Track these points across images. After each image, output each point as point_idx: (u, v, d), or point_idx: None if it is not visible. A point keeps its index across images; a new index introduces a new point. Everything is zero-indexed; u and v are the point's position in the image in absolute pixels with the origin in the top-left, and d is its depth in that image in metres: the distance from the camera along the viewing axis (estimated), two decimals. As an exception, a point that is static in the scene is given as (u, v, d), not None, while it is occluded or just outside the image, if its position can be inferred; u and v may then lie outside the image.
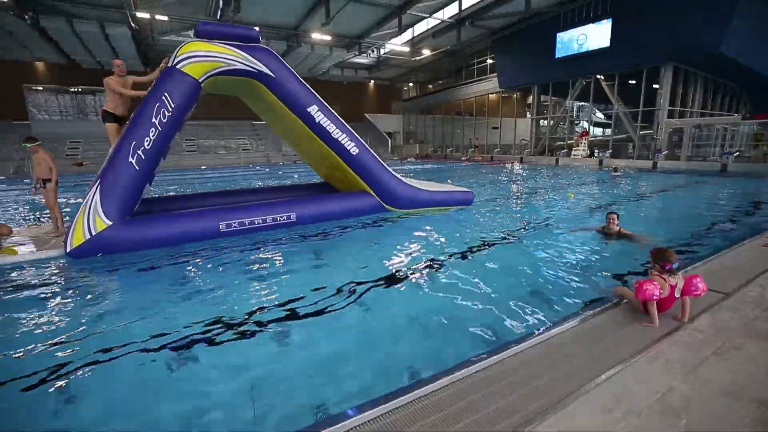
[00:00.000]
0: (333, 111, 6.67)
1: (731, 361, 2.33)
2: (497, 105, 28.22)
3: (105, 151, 19.91)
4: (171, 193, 11.09)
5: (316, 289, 3.86)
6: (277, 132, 8.52)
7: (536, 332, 2.76)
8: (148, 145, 5.34)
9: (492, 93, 27.24)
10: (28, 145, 5.96)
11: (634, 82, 19.92)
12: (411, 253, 5.10)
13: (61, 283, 4.29)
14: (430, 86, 35.12)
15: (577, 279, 3.96)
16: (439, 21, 22.18)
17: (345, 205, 6.94)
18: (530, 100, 25.59)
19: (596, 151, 20.97)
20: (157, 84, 5.53)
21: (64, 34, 19.24)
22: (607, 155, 19.95)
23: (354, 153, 6.70)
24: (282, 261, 4.93)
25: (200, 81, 5.70)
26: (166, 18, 19.32)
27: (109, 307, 3.64)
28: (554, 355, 2.41)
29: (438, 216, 7.28)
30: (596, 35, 18.81)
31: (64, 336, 3.03)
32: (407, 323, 3.24)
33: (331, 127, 6.49)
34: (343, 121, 6.79)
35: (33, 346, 2.88)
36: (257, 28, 19.28)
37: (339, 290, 3.82)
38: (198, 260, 4.98)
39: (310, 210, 6.55)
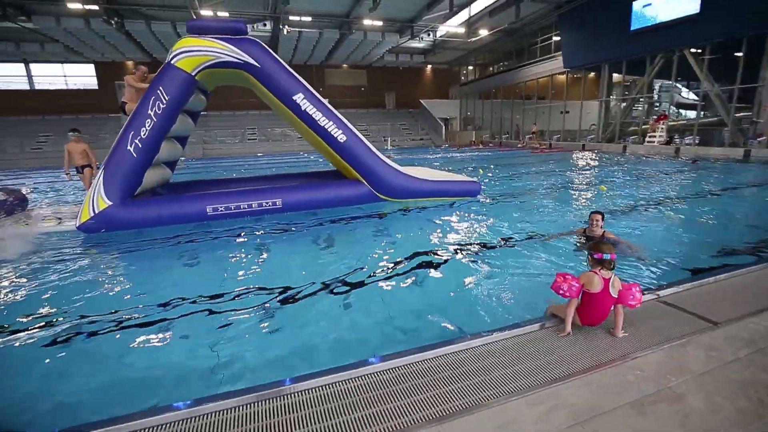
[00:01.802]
0: (321, 99, 6.74)
1: (650, 417, 1.83)
2: (562, 87, 25.87)
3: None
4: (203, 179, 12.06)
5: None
6: (284, 120, 8.84)
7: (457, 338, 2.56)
8: (144, 135, 5.94)
9: (555, 74, 25.03)
10: (75, 135, 7.15)
11: (729, 54, 16.87)
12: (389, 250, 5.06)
13: (63, 248, 5.14)
14: (491, 69, 33.29)
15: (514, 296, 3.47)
16: (495, -3, 20.86)
17: (333, 194, 7.04)
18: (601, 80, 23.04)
19: (675, 137, 18.32)
20: (155, 79, 6.09)
21: (144, 35, 21.71)
22: (687, 142, 17.33)
23: (342, 141, 6.74)
24: (265, 247, 5.23)
25: (193, 74, 6.15)
26: (227, 14, 20.77)
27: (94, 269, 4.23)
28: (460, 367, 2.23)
29: (432, 207, 7.04)
30: (682, 0, 16.19)
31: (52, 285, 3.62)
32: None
33: (317, 115, 6.59)
34: (332, 108, 6.84)
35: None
36: (309, 18, 19.57)
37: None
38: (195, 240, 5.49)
39: (297, 197, 6.77)
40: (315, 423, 1.84)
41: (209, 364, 2.60)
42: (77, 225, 5.73)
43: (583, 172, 11.88)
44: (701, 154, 15.06)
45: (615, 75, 22.39)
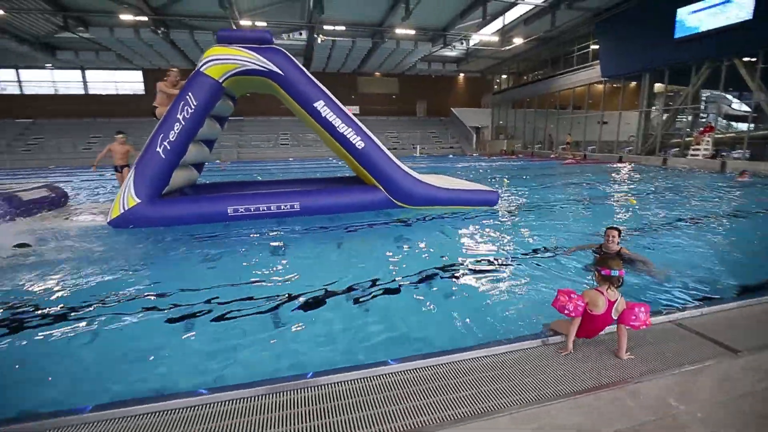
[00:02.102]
0: (341, 106, 6.86)
1: None
2: (599, 96, 24.96)
3: (218, 145, 22.79)
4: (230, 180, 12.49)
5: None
6: (307, 126, 9.03)
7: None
8: (173, 138, 6.26)
9: (592, 83, 24.20)
10: (121, 136, 7.73)
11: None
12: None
13: (93, 241, 5.50)
14: (525, 78, 32.65)
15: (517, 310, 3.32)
16: (531, 6, 20.50)
17: (351, 199, 7.11)
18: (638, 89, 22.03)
19: (722, 151, 17.17)
20: (185, 85, 6.42)
21: (187, 44, 22.94)
22: (735, 156, 16.21)
23: (360, 147, 6.81)
24: (279, 249, 5.37)
25: (220, 81, 6.43)
26: (265, 24, 21.60)
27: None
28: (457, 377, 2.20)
29: (449, 216, 6.95)
30: (733, 6, 15.29)
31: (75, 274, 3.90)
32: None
33: (336, 122, 6.70)
34: (351, 115, 6.93)
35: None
36: (342, 27, 20.03)
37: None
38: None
39: (314, 201, 6.90)
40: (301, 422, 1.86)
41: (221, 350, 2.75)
42: (108, 220, 6.10)
43: (615, 185, 11.36)
44: (750, 170, 14.03)
45: (657, 85, 21.36)
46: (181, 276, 4.27)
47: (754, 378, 2.18)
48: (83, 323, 3.11)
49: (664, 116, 21.12)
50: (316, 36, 23.02)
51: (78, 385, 2.45)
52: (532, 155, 27.04)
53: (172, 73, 7.31)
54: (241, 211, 6.53)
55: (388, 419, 1.88)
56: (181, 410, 1.95)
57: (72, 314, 3.28)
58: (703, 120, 22.35)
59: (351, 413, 1.92)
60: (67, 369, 2.60)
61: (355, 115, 28.40)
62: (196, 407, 1.97)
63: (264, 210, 6.63)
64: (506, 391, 2.07)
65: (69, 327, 3.07)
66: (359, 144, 6.82)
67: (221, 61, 6.33)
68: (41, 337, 2.95)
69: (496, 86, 36.00)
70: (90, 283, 3.92)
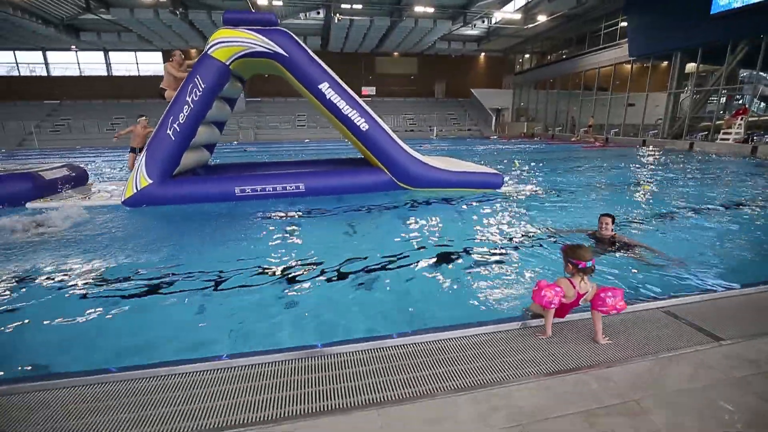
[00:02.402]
0: (346, 88, 6.84)
1: (596, 429, 1.74)
2: (626, 77, 23.84)
3: (237, 126, 23.66)
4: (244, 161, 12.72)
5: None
6: (315, 108, 9.05)
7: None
8: (182, 120, 6.42)
9: (619, 63, 23.10)
10: (143, 119, 7.97)
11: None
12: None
13: (107, 220, 5.78)
14: (549, 57, 31.42)
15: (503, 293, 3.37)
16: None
17: (354, 180, 7.18)
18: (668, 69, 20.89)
19: (753, 134, 16.26)
20: (194, 68, 6.53)
21: (206, 25, 23.03)
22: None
23: (364, 129, 6.82)
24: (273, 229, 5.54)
25: (227, 63, 6.51)
26: (281, 3, 21.44)
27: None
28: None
29: (454, 199, 6.93)
30: (774, -21, 14.21)
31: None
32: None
33: (341, 104, 6.71)
34: (356, 97, 6.93)
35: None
36: (359, 5, 19.72)
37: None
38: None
39: (318, 183, 7.00)
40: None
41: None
42: (122, 200, 6.37)
43: (633, 170, 10.99)
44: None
45: (688, 65, 20.21)
46: (192, 252, 4.47)
47: (730, 366, 2.18)
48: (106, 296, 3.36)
49: (695, 97, 20.07)
50: (333, 15, 22.71)
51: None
52: (552, 138, 26.28)
53: (176, 54, 7.39)
54: (248, 192, 6.70)
55: (346, 394, 1.98)
56: (205, 372, 2.17)
57: (94, 288, 3.52)
58: (738, 102, 21.11)
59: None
60: (82, 331, 2.86)
61: (371, 96, 28.37)
62: (218, 370, 2.18)
63: (270, 191, 6.78)
64: (476, 371, 2.13)
65: (92, 299, 3.32)
66: (363, 126, 6.83)
67: (228, 43, 6.39)
68: (73, 306, 3.20)
69: (518, 66, 34.85)
70: (101, 260, 4.15)
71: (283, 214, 6.02)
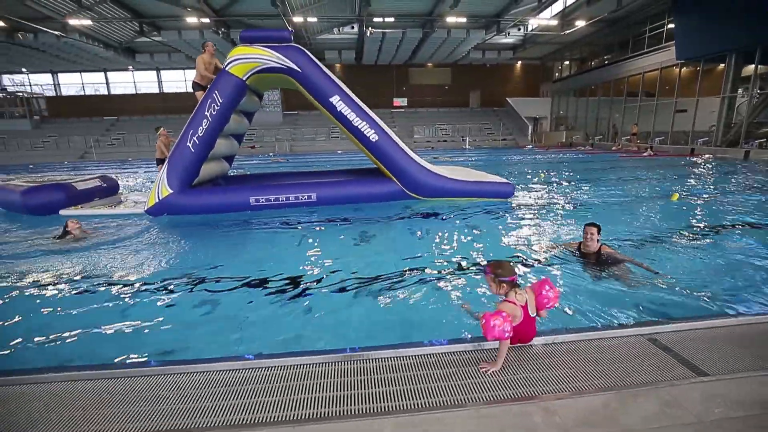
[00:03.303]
0: (356, 101, 6.95)
1: None
2: (673, 82, 22.36)
3: (273, 138, 24.73)
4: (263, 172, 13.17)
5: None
6: (329, 120, 9.24)
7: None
8: (201, 133, 6.79)
9: (666, 67, 21.72)
10: (161, 130, 8.39)
11: None
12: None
13: (130, 227, 6.21)
14: (590, 63, 30.17)
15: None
16: (593, -16, 18.88)
17: (365, 190, 7.24)
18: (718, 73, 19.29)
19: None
20: (212, 83, 6.90)
21: (246, 43, 24.35)
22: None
23: (373, 140, 6.88)
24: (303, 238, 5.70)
25: (244, 79, 6.83)
26: (315, 19, 22.26)
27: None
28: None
29: (457, 211, 6.78)
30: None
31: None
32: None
33: (351, 116, 6.82)
34: (366, 109, 7.01)
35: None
36: (391, 18, 20.02)
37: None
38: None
39: (329, 192, 7.12)
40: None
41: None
42: (145, 209, 6.81)
43: (671, 180, 10.19)
44: None
45: (745, 67, 18.61)
46: (208, 258, 4.71)
47: (706, 407, 1.92)
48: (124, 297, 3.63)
49: (753, 102, 18.38)
50: (365, 29, 23.24)
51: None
52: (591, 147, 25.07)
53: (209, 45, 7.64)
54: (262, 202, 6.94)
55: (272, 409, 1.97)
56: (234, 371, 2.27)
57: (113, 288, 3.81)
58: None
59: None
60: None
61: (403, 107, 28.59)
62: (245, 370, 2.27)
63: (283, 200, 6.98)
64: (409, 394, 2.03)
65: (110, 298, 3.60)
66: (373, 137, 6.88)
67: (244, 60, 6.72)
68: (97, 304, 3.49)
69: (557, 74, 33.76)
70: (122, 264, 4.48)
71: (294, 224, 6.18)
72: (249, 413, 1.92)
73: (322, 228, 6.02)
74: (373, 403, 1.97)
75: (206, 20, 20.75)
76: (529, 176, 11.53)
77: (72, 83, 31.66)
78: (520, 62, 33.80)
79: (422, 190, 7.09)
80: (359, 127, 6.86)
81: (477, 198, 7.22)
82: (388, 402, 1.97)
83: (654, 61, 22.29)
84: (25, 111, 29.65)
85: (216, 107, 6.78)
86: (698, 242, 4.83)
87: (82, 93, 31.86)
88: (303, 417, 1.89)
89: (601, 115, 27.52)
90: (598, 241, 3.91)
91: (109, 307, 3.41)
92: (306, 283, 3.84)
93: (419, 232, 5.49)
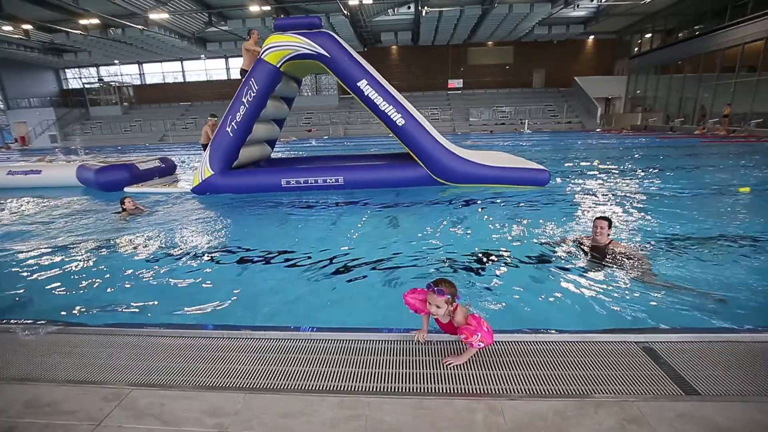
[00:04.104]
0: (384, 85, 6.91)
1: None
2: (783, 53, 18.93)
3: (329, 121, 25.71)
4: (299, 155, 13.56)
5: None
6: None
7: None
8: (239, 119, 7.23)
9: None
10: (211, 118, 9.04)
11: None
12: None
13: (176, 203, 6.92)
14: (678, 35, 26.58)
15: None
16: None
17: (391, 175, 7.26)
18: None
19: None
20: (250, 71, 7.27)
21: (304, 28, 25.02)
22: None
23: (400, 124, 6.83)
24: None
25: (278, 66, 7.11)
26: (371, 1, 22.14)
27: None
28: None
29: (489, 198, 6.53)
30: None
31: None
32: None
33: (378, 99, 6.82)
34: (394, 93, 6.96)
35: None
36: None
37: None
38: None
39: (356, 176, 7.24)
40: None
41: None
42: (191, 188, 7.48)
43: (750, 170, 8.80)
44: None
45: None
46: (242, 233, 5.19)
47: (675, 428, 1.71)
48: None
49: None
50: (421, 8, 22.66)
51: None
52: (671, 131, 22.35)
53: (255, 33, 8.03)
54: (292, 184, 7.27)
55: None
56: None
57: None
58: None
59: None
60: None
61: (458, 88, 27.76)
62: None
63: (312, 183, 7.26)
64: (350, 376, 2.04)
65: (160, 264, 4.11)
66: (399, 121, 6.83)
67: (277, 48, 6.97)
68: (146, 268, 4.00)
69: (635, 49, 30.29)
70: (161, 236, 5.06)
71: (317, 205, 6.44)
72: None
73: (344, 209, 6.20)
74: (315, 380, 2.01)
75: (267, 8, 21.62)
76: (585, 162, 10.66)
77: (155, 72, 35.02)
78: (591, 37, 30.84)
79: (450, 175, 6.94)
80: (386, 110, 6.84)
81: (509, 185, 6.89)
82: (332, 382, 1.99)
83: (760, 29, 19.05)
84: (117, 98, 33.48)
85: (252, 94, 7.15)
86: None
87: (162, 81, 35.14)
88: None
89: (686, 94, 24.33)
90: (608, 236, 3.63)
91: (159, 271, 3.88)
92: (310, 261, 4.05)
93: (445, 221, 5.34)
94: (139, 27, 22.80)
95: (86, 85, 34.43)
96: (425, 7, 22.69)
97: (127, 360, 2.12)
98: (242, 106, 7.21)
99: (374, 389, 1.94)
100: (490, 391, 1.92)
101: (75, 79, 35.72)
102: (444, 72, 32.38)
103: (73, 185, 8.80)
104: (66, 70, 35.81)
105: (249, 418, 1.66)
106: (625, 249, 3.65)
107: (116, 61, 33.82)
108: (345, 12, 22.58)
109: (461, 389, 1.93)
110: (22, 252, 4.54)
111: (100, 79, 34.38)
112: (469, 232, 4.87)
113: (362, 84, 6.85)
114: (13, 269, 4.05)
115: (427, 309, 2.18)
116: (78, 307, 3.15)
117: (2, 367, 2.09)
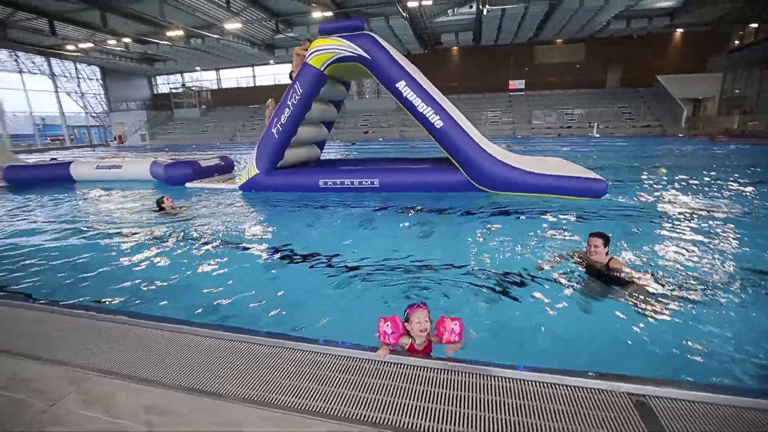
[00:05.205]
0: (424, 86, 6.74)
1: None
2: None
3: (386, 124, 26.30)
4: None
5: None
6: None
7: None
8: (284, 121, 7.52)
9: None
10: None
11: None
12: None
13: (223, 199, 7.36)
14: (791, 23, 22.83)
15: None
16: None
17: (428, 179, 7.07)
18: None
19: None
20: (296, 75, 7.52)
21: (364, 32, 25.50)
22: None
23: (438, 126, 6.62)
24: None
25: (322, 69, 7.27)
26: (430, 2, 21.94)
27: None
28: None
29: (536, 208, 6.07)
30: None
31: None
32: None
33: (416, 101, 6.68)
34: (434, 95, 6.77)
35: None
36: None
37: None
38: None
39: (392, 179, 7.17)
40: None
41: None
42: (239, 185, 7.92)
43: None
44: None
45: None
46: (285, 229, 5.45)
47: None
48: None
49: None
50: (482, 7, 21.99)
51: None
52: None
53: (306, 43, 8.24)
54: (330, 184, 7.39)
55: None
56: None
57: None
58: None
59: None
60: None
61: (520, 90, 26.60)
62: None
63: (348, 185, 7.32)
64: (287, 390, 1.85)
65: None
66: (438, 123, 6.63)
67: (321, 51, 7.13)
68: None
69: (736, 42, 26.61)
70: (202, 229, 5.44)
71: (349, 206, 6.47)
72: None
73: (378, 213, 6.15)
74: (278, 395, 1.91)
75: (329, 13, 22.35)
76: (662, 172, 9.47)
77: (229, 77, 38.01)
78: (680, 30, 27.66)
79: (492, 182, 6.56)
80: (424, 112, 6.67)
81: (558, 195, 6.31)
82: (298, 398, 1.81)
83: None
84: (197, 101, 36.81)
85: (297, 97, 7.39)
86: None
87: (235, 86, 38.00)
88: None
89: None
90: (607, 254, 3.25)
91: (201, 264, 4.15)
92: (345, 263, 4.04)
93: (472, 233, 5.05)
94: (216, 36, 24.84)
95: (172, 90, 38.33)
96: (487, 6, 21.95)
97: (101, 345, 2.19)
98: (287, 109, 7.48)
99: (288, 405, 1.75)
100: (386, 421, 1.65)
101: (164, 84, 39.98)
102: (506, 72, 31.11)
103: (146, 179, 9.80)
104: (157, 77, 40.23)
105: (180, 423, 1.63)
106: (623, 265, 3.22)
107: (197, 68, 37.26)
108: (404, 14, 22.62)
109: (376, 418, 1.67)
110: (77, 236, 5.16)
111: (183, 85, 38.05)
112: (491, 245, 4.52)
113: (401, 85, 6.75)
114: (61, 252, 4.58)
115: (405, 334, 2.13)
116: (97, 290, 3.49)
117: (7, 340, 2.30)
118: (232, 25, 23.09)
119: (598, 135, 24.48)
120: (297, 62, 8.03)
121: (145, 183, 9.60)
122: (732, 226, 4.88)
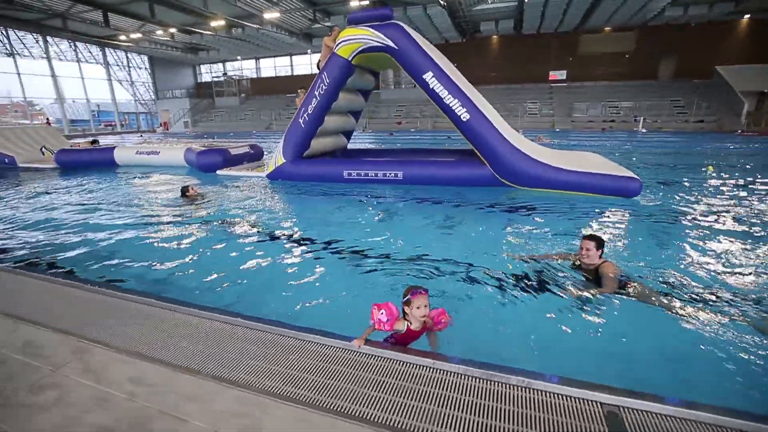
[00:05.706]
0: (452, 78, 6.59)
1: None
2: None
3: (420, 114, 26.19)
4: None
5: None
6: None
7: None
8: (311, 110, 7.61)
9: None
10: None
11: None
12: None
13: (250, 187, 7.60)
14: None
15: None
16: None
17: (452, 173, 6.95)
18: None
19: None
20: (324, 65, 7.56)
21: (401, 21, 25.16)
22: None
23: (464, 119, 6.48)
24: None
25: (350, 59, 7.27)
26: (469, -11, 21.33)
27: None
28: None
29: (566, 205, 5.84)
30: None
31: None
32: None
33: (443, 93, 6.55)
34: (462, 87, 6.62)
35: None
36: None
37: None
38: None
39: (415, 171, 7.11)
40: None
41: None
42: (266, 174, 8.13)
43: None
44: None
45: None
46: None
47: None
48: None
49: None
50: (524, -7, 21.11)
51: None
52: None
53: (336, 30, 8.28)
54: (354, 175, 7.44)
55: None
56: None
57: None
58: None
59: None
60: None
61: (562, 81, 25.51)
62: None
63: (372, 176, 7.33)
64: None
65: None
66: (464, 116, 6.48)
67: (349, 41, 7.12)
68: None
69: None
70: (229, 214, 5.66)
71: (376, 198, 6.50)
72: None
73: (401, 205, 6.14)
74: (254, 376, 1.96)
75: (366, 2, 22.23)
76: (696, 173, 8.87)
77: (268, 66, 38.84)
78: (746, 17, 25.27)
79: (518, 177, 6.36)
80: (450, 104, 6.53)
81: (588, 193, 6.03)
82: (269, 381, 1.86)
83: None
84: (236, 90, 37.94)
85: (324, 87, 7.45)
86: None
87: (273, 75, 38.80)
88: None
89: None
90: (600, 257, 3.12)
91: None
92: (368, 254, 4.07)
93: (490, 229, 4.97)
94: (256, 26, 25.39)
95: (214, 79, 39.71)
96: (528, -9, 21.05)
97: (109, 319, 2.37)
98: (314, 99, 7.56)
99: (265, 389, 1.79)
100: (371, 417, 1.62)
101: (207, 73, 41.48)
102: (547, 62, 29.77)
103: (182, 165, 10.27)
104: (201, 66, 41.78)
105: (160, 393, 1.74)
106: (618, 271, 3.06)
107: (239, 57, 38.32)
108: (442, 2, 22.12)
109: (351, 411, 1.67)
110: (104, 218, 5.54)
111: (224, 74, 39.28)
112: (502, 242, 4.41)
113: (428, 76, 6.63)
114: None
115: (399, 320, 2.21)
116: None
117: (17, 304, 2.54)
118: (271, 15, 23.51)
119: (644, 130, 23.00)
120: (325, 53, 8.04)
121: (181, 169, 10.06)
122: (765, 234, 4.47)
